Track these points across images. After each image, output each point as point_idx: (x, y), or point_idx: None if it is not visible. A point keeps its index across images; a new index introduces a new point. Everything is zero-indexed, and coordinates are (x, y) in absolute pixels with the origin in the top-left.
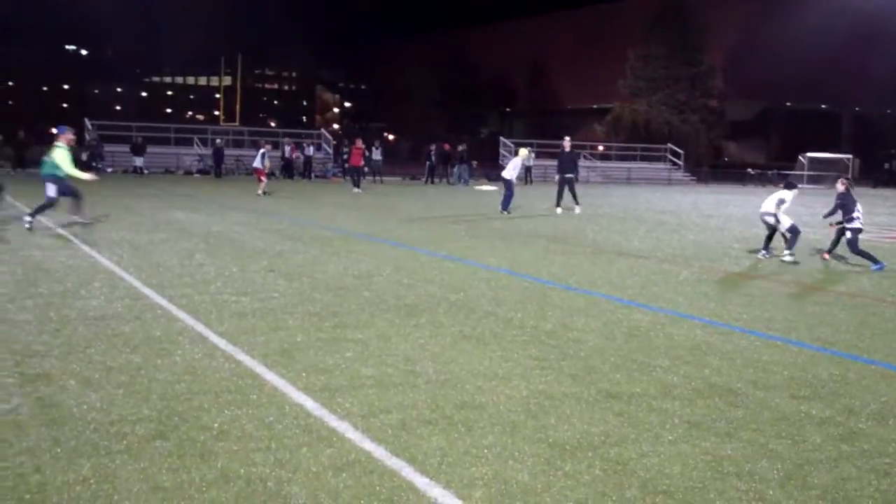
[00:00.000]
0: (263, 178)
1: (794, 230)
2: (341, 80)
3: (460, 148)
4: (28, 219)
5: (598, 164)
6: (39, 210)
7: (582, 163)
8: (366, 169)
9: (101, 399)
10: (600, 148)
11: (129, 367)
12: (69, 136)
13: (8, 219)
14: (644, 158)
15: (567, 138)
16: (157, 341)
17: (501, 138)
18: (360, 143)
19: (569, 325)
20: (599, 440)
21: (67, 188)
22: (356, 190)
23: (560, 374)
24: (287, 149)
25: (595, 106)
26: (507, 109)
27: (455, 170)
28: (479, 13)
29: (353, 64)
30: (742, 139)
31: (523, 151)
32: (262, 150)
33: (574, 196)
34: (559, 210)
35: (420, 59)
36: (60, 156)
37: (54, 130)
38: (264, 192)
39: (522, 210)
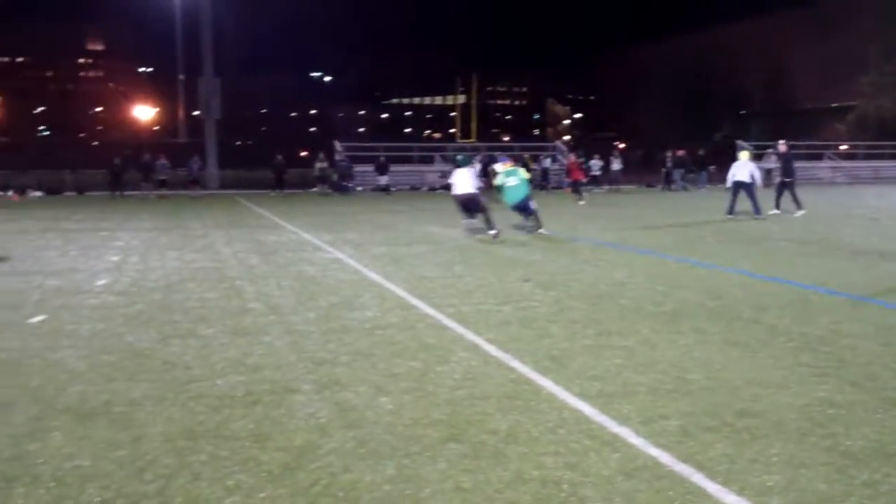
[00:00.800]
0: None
1: None
2: (570, 91)
3: (693, 153)
4: (544, 231)
5: (843, 164)
6: (536, 219)
7: (825, 163)
8: (587, 178)
9: (391, 403)
10: (843, 147)
11: (412, 373)
12: (508, 161)
13: (292, 242)
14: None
15: (782, 141)
16: (432, 349)
17: (738, 142)
18: (573, 157)
19: (839, 330)
20: (894, 449)
21: (478, 204)
22: (581, 202)
23: (839, 382)
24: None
25: (835, 104)
26: (743, 112)
27: (675, 176)
28: (711, 15)
29: (582, 74)
30: None
31: (744, 154)
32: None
33: (795, 199)
34: (772, 212)
35: (650, 65)
36: (522, 173)
37: (499, 162)
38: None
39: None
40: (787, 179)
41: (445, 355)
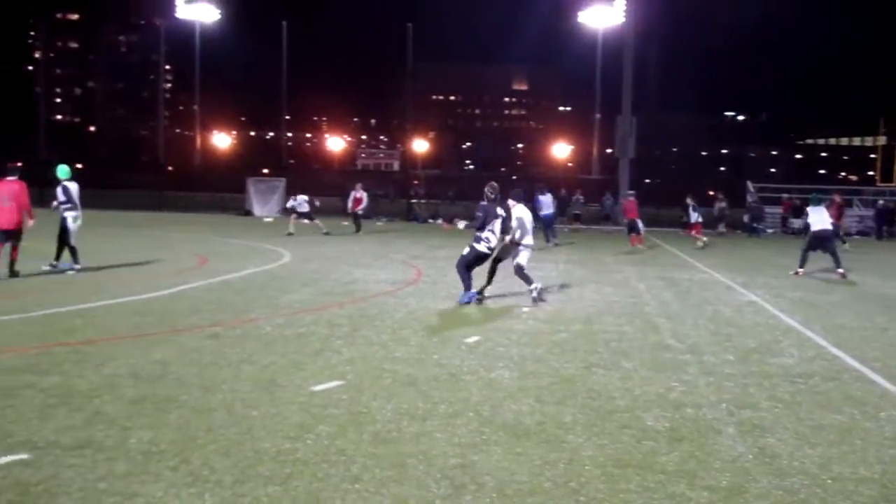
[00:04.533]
0: (693, 233)
1: None
2: None
3: None
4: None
5: None
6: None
7: None
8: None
9: (817, 455)
10: None
11: (837, 426)
12: None
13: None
14: None
15: None
16: (859, 403)
17: None
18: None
19: None
20: None
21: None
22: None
23: None
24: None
25: None
26: None
27: None
28: None
29: None
30: None
31: None
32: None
33: None
34: None
35: None
36: None
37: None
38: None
39: None
40: None
41: (873, 411)
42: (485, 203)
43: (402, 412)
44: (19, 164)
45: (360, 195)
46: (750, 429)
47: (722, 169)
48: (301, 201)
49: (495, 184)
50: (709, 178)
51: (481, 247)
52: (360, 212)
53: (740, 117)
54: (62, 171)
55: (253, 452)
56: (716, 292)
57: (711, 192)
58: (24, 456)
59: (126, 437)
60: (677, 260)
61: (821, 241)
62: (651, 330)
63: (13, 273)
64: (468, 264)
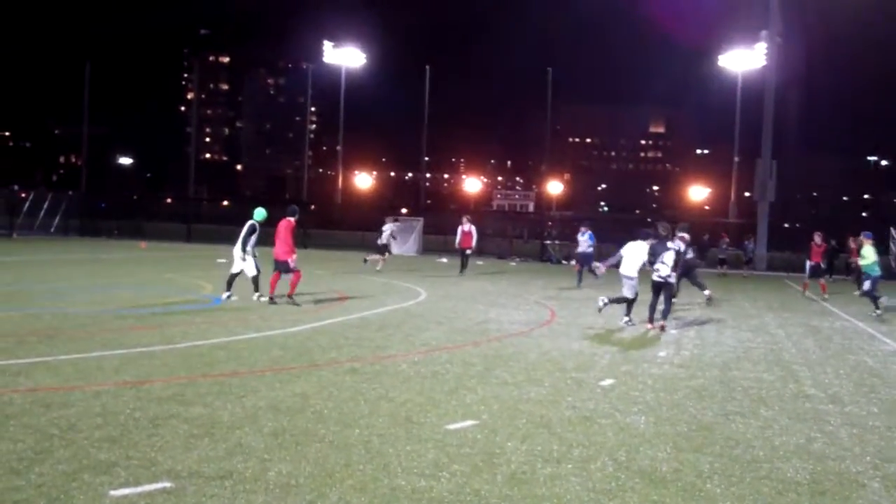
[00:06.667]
0: None
1: None
2: None
3: None
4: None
5: None
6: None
7: None
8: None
9: None
10: None
11: None
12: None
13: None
14: None
15: None
16: None
17: None
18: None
19: None
20: None
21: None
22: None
23: None
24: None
25: None
26: None
27: None
28: None
29: None
30: None
31: None
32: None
33: None
34: None
35: None
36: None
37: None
38: None
39: None
40: None
41: None
42: (654, 241)
43: (537, 454)
44: (296, 206)
45: (468, 228)
46: None
47: (864, 215)
48: (389, 230)
49: (666, 223)
50: (852, 224)
51: (654, 276)
52: (469, 251)
53: (884, 162)
54: (259, 213)
55: (389, 490)
56: (858, 341)
57: (852, 238)
58: (167, 484)
59: (265, 469)
60: (816, 306)
61: (690, 269)
62: (791, 378)
63: (293, 300)
64: (655, 293)
